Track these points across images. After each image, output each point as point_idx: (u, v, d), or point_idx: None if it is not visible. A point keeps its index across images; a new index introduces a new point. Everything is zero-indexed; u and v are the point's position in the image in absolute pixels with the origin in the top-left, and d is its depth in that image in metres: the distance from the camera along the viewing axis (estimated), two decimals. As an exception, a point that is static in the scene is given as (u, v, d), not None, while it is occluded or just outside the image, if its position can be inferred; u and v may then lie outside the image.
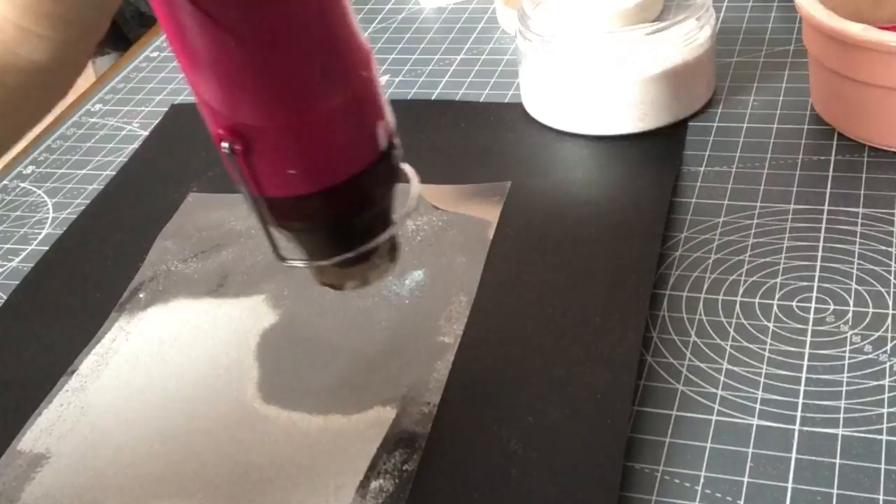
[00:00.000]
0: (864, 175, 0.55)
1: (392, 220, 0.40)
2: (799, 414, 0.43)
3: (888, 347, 0.45)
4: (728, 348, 0.47)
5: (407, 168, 0.41)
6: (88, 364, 0.51)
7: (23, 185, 0.67)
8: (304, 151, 0.36)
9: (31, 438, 0.47)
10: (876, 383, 0.44)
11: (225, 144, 0.35)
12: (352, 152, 0.37)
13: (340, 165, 0.37)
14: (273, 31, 0.33)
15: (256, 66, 0.34)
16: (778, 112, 0.62)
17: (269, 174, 0.36)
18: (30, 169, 0.69)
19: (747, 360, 0.46)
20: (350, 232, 0.39)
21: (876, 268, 0.50)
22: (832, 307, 0.48)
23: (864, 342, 0.46)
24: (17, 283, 0.58)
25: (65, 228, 0.62)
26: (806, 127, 0.60)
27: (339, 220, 0.39)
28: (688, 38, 0.60)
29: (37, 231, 0.63)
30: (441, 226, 0.56)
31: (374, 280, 0.42)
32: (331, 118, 0.36)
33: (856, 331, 0.47)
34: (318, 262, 0.40)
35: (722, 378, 0.45)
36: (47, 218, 0.64)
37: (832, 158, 0.57)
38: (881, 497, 0.39)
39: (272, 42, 0.34)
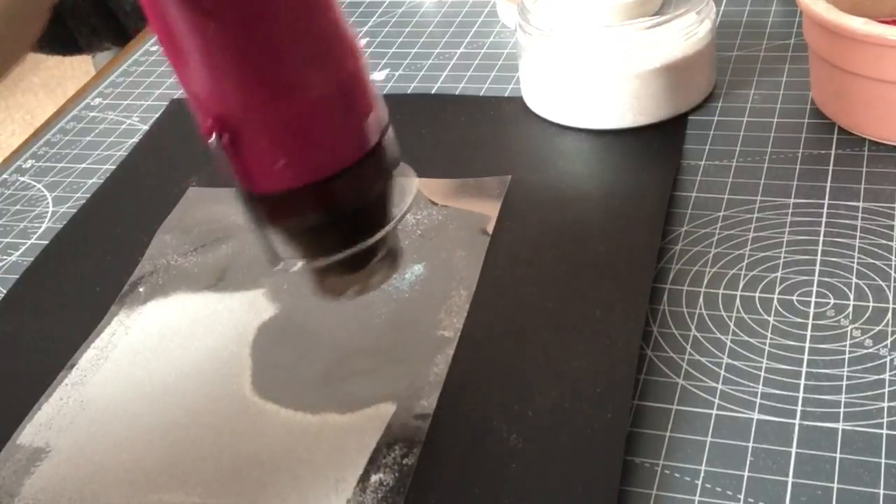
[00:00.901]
0: (864, 169, 0.55)
1: (391, 217, 0.40)
2: (799, 408, 0.43)
3: (888, 342, 0.45)
4: (728, 342, 0.47)
5: (404, 166, 0.40)
6: (88, 358, 0.51)
7: (22, 179, 0.67)
8: (292, 143, 0.36)
9: (31, 432, 0.47)
10: (876, 377, 0.44)
11: (212, 139, 0.35)
12: (341, 145, 0.37)
13: (330, 158, 0.37)
14: (253, 16, 0.33)
15: (238, 52, 0.33)
16: (778, 106, 0.62)
17: (259, 168, 0.36)
18: (29, 163, 0.69)
19: (747, 354, 0.46)
20: (346, 231, 0.39)
21: (876, 262, 0.50)
22: (832, 301, 0.48)
23: (865, 336, 0.46)
24: (17, 277, 0.58)
25: (64, 222, 0.61)
26: (806, 121, 0.60)
27: (332, 216, 0.38)
28: (688, 32, 0.60)
29: (36, 225, 0.62)
30: (441, 220, 0.56)
31: (375, 285, 0.41)
32: (318, 108, 0.35)
33: (856, 325, 0.47)
34: (314, 262, 0.40)
35: (722, 372, 0.45)
36: (47, 212, 0.64)
37: (832, 153, 0.57)
38: (881, 491, 0.39)
39: (252, 27, 0.33)
